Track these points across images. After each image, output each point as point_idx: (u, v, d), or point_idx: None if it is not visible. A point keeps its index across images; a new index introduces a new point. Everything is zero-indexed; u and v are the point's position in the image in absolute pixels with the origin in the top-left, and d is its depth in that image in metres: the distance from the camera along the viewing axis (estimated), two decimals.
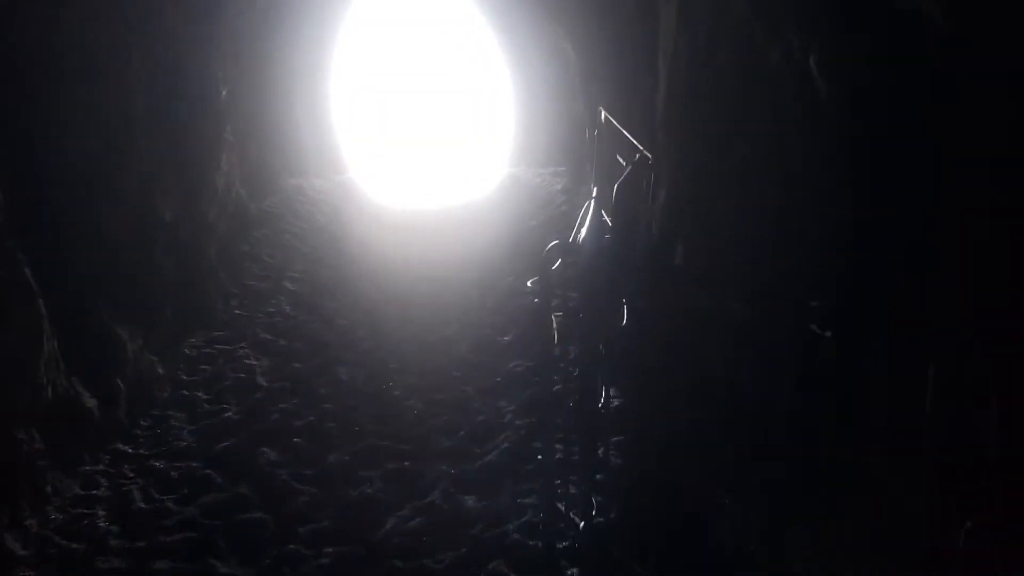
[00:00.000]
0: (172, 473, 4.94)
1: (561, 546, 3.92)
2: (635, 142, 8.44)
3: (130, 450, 5.23)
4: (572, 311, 3.88)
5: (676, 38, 7.28)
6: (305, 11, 11.95)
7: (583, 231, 3.94)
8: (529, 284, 3.80)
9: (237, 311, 7.68)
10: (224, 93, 8.45)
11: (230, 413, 5.72)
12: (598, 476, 4.10)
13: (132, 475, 4.93)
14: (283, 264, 9.13)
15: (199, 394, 6.05)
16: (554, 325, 3.73)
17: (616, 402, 4.83)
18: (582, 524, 3.76)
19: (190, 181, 7.39)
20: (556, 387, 5.71)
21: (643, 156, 7.55)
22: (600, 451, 4.21)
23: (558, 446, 4.78)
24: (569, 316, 3.84)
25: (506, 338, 6.75)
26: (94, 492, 4.73)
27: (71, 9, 5.14)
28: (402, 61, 24.97)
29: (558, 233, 9.42)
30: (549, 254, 3.65)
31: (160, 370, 6.15)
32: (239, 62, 8.75)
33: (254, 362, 6.59)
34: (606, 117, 9.84)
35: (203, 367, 6.51)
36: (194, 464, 5.02)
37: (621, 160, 9.01)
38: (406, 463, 4.91)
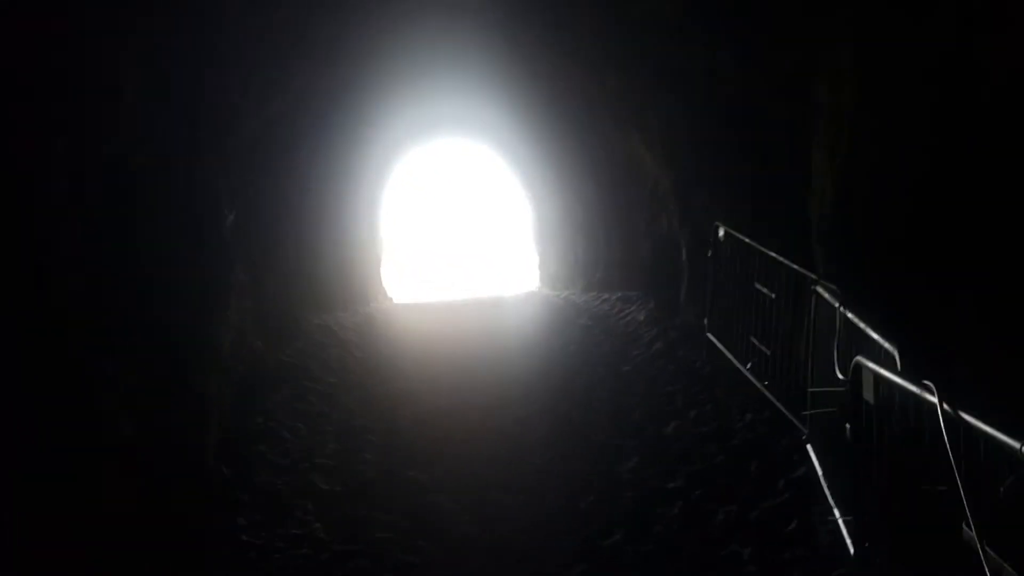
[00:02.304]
0: None
1: None
2: (790, 263, 5.83)
3: None
4: None
5: (852, 125, 4.86)
6: (345, 143, 9.63)
7: None
8: None
9: (244, 537, 4.80)
10: (231, 219, 5.88)
11: None
12: None
13: None
14: (311, 443, 6.31)
15: None
16: None
17: None
18: None
19: (175, 351, 4.70)
20: None
21: (833, 290, 4.92)
22: None
23: None
24: None
25: None
26: None
27: None
28: (437, 198, 23.79)
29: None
30: None
31: None
32: (249, 181, 6.21)
33: None
34: (727, 232, 7.22)
35: None
36: None
37: (764, 289, 6.34)
38: None
